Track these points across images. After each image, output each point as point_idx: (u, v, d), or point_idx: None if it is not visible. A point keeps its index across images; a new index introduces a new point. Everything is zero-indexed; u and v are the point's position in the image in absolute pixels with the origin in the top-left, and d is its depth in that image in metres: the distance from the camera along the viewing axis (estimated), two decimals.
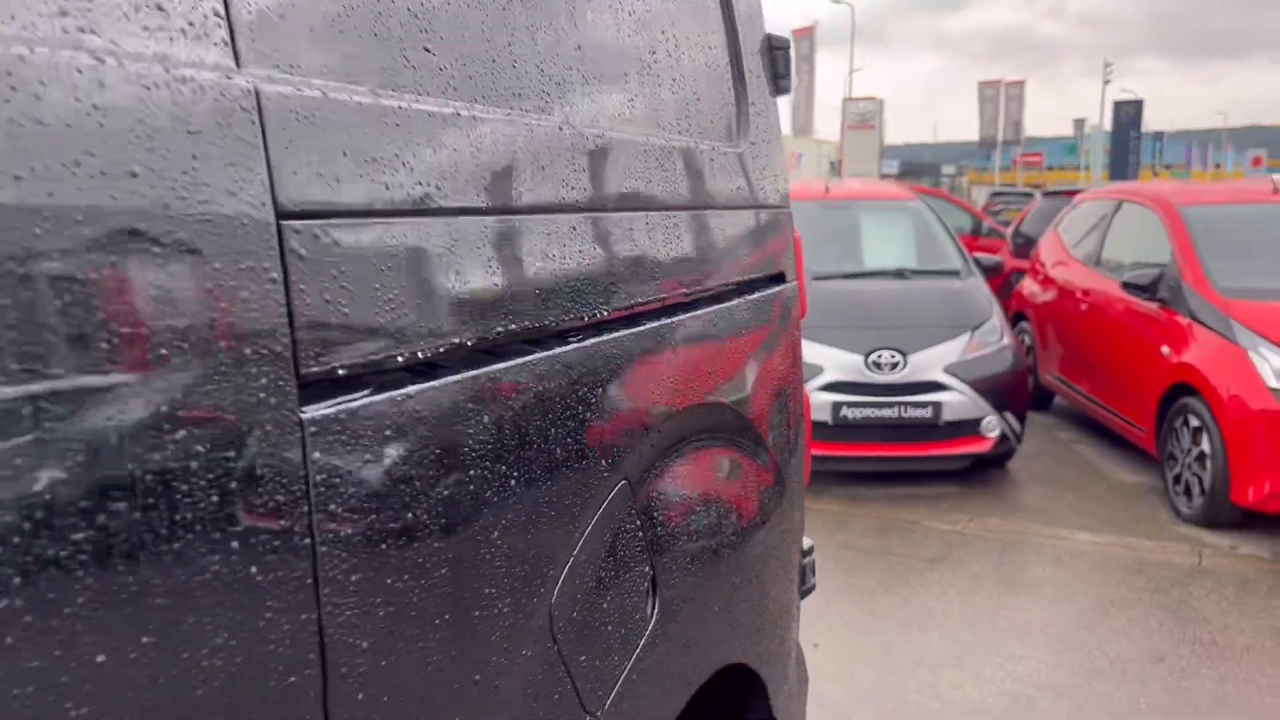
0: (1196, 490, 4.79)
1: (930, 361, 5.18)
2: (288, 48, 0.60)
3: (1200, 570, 4.24)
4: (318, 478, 0.58)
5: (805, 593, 1.58)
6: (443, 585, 0.69)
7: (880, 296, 5.66)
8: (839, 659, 3.31)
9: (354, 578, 0.61)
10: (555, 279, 0.84)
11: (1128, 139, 57.66)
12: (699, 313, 1.15)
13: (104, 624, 0.49)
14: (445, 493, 0.70)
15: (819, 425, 5.00)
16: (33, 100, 0.44)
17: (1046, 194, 11.15)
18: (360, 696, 0.63)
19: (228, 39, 0.55)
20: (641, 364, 0.99)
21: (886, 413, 5.12)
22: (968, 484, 5.37)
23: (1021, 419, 5.44)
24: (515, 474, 0.77)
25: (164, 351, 0.50)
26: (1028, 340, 7.08)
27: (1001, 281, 8.21)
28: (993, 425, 5.23)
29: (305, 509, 0.57)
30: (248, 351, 0.54)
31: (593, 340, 0.90)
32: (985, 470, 5.53)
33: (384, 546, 0.64)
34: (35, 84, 0.44)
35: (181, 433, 0.50)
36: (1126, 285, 5.51)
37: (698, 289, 1.15)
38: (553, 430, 0.82)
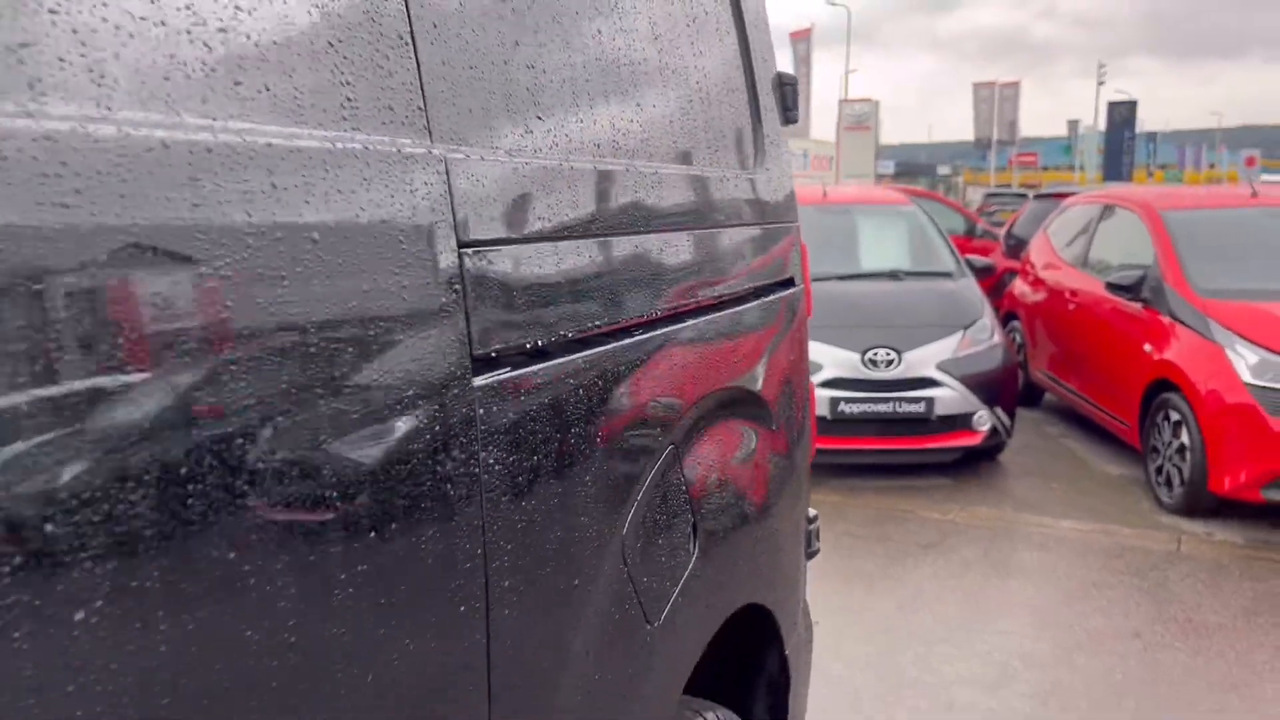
0: (1177, 481, 5.04)
1: (924, 359, 5.44)
2: (469, 130, 0.85)
3: (1178, 555, 4.49)
4: (482, 426, 0.84)
5: (810, 555, 1.83)
6: (556, 512, 0.95)
7: (876, 297, 5.91)
8: (839, 636, 3.56)
9: (504, 499, 0.86)
10: (628, 286, 1.09)
11: (1121, 139, 57.94)
12: (726, 312, 1.40)
13: (354, 528, 0.73)
14: (561, 443, 0.95)
15: (818, 420, 5.25)
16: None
17: (1038, 196, 11.41)
18: (507, 583, 0.88)
19: (426, 125, 0.80)
20: (683, 353, 1.24)
21: (882, 408, 5.37)
22: (959, 476, 5.62)
23: (1011, 414, 5.70)
24: (602, 434, 1.02)
25: (398, 338, 0.76)
26: (1018, 338, 7.34)
27: (995, 281, 8.46)
28: (983, 420, 5.48)
29: (476, 447, 0.83)
30: (442, 339, 0.80)
31: (648, 334, 1.15)
32: (976, 463, 5.78)
33: (525, 477, 0.90)
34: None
35: (410, 391, 0.76)
36: (1111, 286, 5.77)
37: (725, 293, 1.40)
38: (625, 402, 1.07)
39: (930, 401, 5.39)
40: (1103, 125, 61.73)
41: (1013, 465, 5.90)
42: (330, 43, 0.73)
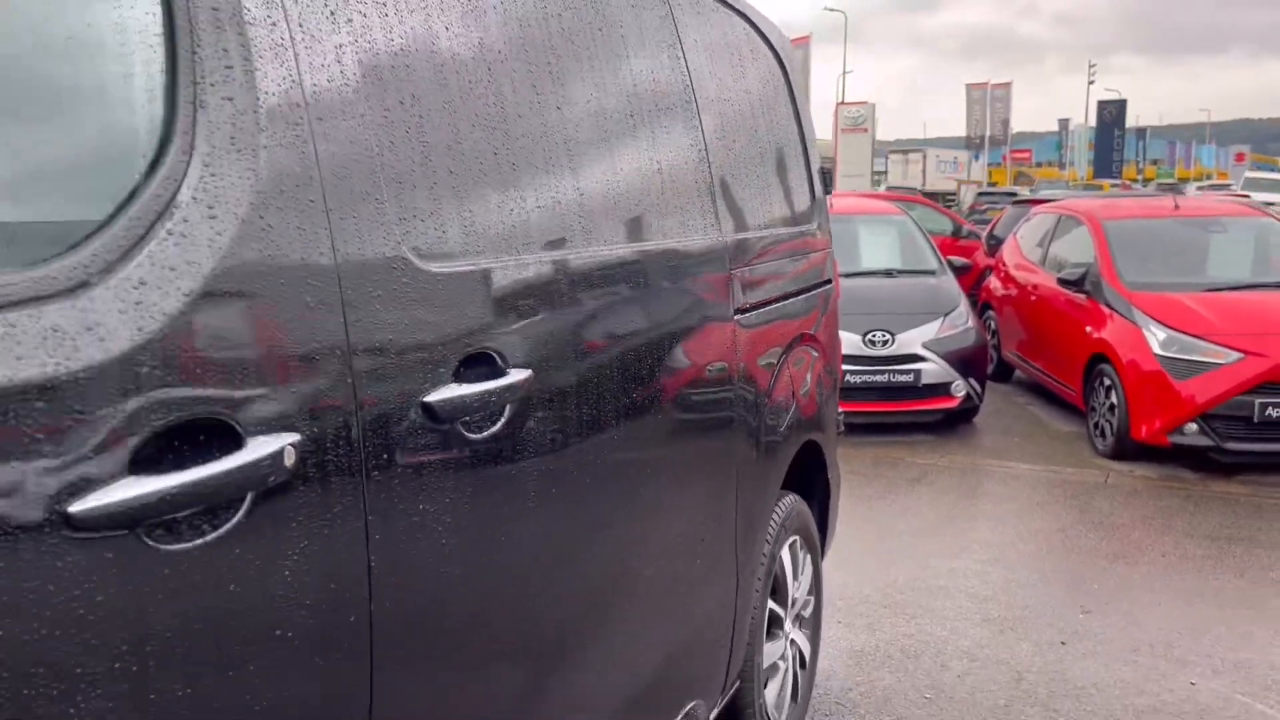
0: (1109, 432, 6.48)
1: (912, 339, 6.88)
2: (739, 220, 2.28)
3: (1105, 485, 5.93)
4: (741, 351, 2.27)
5: (840, 430, 3.28)
6: (761, 385, 2.38)
7: (874, 290, 7.34)
8: (848, 547, 4.97)
9: (750, 392, 2.29)
10: (774, 279, 2.52)
11: (1111, 137, 59.26)
12: (802, 297, 2.82)
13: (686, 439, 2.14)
14: (758, 346, 2.38)
15: None
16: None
17: (1015, 203, 12.86)
18: (742, 446, 2.32)
19: (717, 225, 2.22)
20: (791, 313, 2.67)
21: (879, 378, 6.82)
22: (941, 432, 7.06)
23: (982, 383, 7.14)
24: (766, 340, 2.45)
25: (707, 310, 2.17)
26: (993, 325, 8.78)
27: (976, 277, 9.91)
28: (960, 388, 6.93)
29: (737, 360, 2.25)
30: (721, 304, 2.20)
31: (783, 303, 2.58)
32: (955, 423, 7.22)
33: (760, 378, 2.33)
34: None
35: (712, 334, 2.19)
36: (1061, 280, 7.22)
37: (802, 286, 2.83)
38: (772, 328, 2.48)
39: (918, 373, 6.83)
40: (1093, 122, 62.99)
41: (984, 425, 7.34)
42: (680, 193, 2.14)
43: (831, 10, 41.62)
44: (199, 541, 0.93)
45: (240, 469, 0.95)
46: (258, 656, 0.99)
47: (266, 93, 1.06)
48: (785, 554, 2.74)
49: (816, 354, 2.94)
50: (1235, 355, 5.93)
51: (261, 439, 0.99)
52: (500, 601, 1.41)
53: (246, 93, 1.03)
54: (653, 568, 1.92)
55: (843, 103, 36.25)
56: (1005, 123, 51.09)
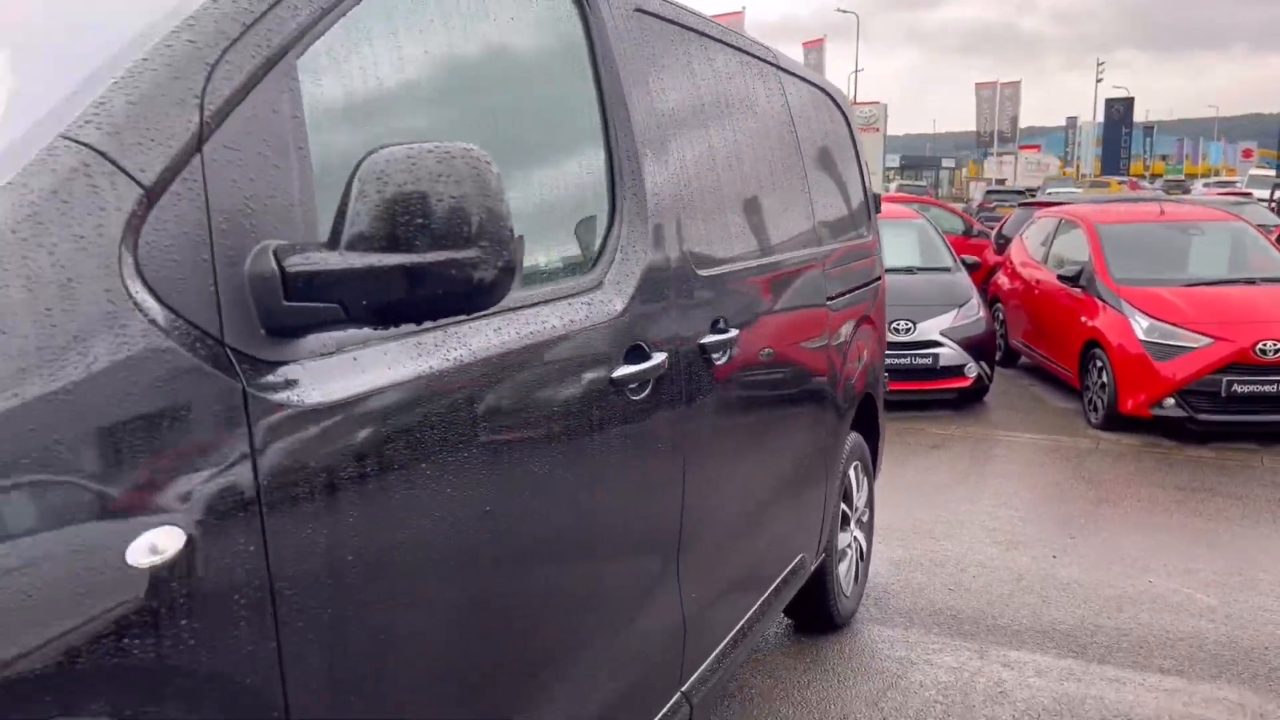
0: (1100, 406, 7.56)
1: (931, 327, 7.97)
2: (829, 225, 3.37)
3: (1096, 450, 7.02)
4: (831, 329, 3.35)
5: (885, 390, 4.37)
6: (847, 356, 3.47)
7: (897, 284, 8.40)
8: (881, 495, 6.05)
9: (837, 358, 3.36)
10: (843, 278, 3.60)
11: (1119, 134, 60.04)
12: (864, 289, 3.90)
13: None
14: (842, 329, 3.46)
15: None
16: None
17: (1022, 204, 13.92)
18: (840, 397, 3.42)
19: (815, 233, 3.32)
20: (857, 301, 3.75)
21: (903, 361, 7.91)
22: (955, 408, 8.15)
23: (992, 366, 8.23)
24: (844, 319, 3.53)
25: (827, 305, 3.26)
26: (1001, 316, 9.86)
27: (986, 273, 10.98)
28: (972, 369, 8.02)
29: (829, 335, 3.34)
30: (821, 295, 3.28)
31: (854, 294, 3.67)
32: (968, 401, 8.31)
33: (848, 349, 3.41)
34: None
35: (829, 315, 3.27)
36: (1061, 277, 8.31)
37: (863, 281, 3.91)
38: (847, 308, 3.57)
39: (936, 356, 7.92)
40: (1100, 118, 63.68)
41: (993, 403, 8.43)
42: (801, 215, 3.23)
43: (844, 11, 42.61)
44: (642, 395, 2.03)
45: (654, 366, 2.05)
46: (621, 478, 2.10)
47: (652, 190, 2.17)
48: (851, 473, 3.85)
49: (873, 331, 4.05)
50: (1207, 340, 7.01)
51: (657, 355, 2.09)
52: (729, 486, 2.52)
53: (639, 189, 2.14)
54: (785, 475, 3.02)
55: (855, 102, 37.25)
56: (1014, 119, 52.03)
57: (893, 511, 5.49)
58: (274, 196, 1.26)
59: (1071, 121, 67.99)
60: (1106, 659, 3.71)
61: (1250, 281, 7.79)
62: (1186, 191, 34.65)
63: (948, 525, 5.30)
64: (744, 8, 29.88)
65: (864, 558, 4.12)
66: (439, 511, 1.45)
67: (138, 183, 1.10)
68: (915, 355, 7.93)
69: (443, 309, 1.28)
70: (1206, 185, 41.67)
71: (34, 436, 0.96)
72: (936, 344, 7.96)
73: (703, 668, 2.45)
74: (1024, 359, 9.71)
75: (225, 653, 1.12)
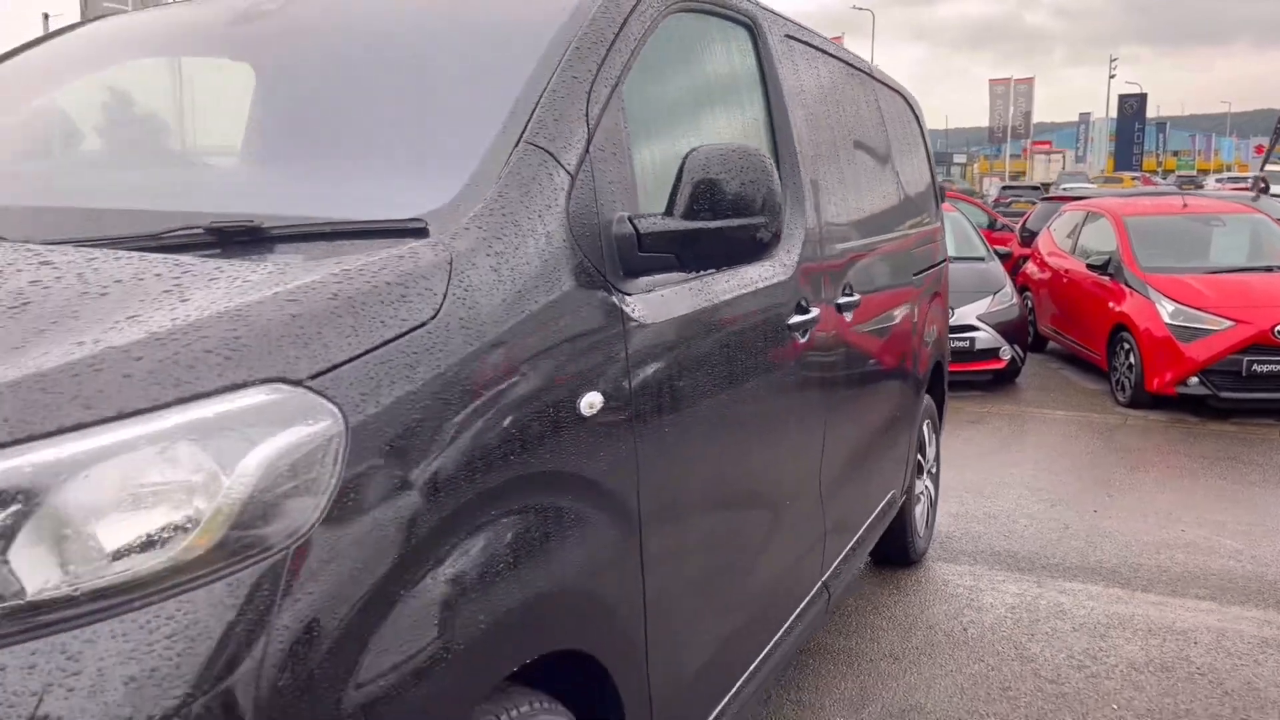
0: (1127, 386, 8.11)
1: (968, 313, 8.52)
2: (912, 217, 3.94)
3: (1124, 425, 7.57)
4: (915, 302, 3.93)
5: (948, 359, 4.94)
6: (932, 328, 4.04)
7: None
8: None
9: (918, 327, 3.93)
10: (917, 261, 4.17)
11: (1131, 130, 60.30)
12: (932, 270, 4.47)
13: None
14: (926, 303, 4.04)
15: None
16: None
17: (1045, 199, 14.44)
18: (929, 369, 3.99)
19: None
20: (927, 280, 4.32)
21: None
22: (990, 389, 8.71)
23: (1024, 350, 8.78)
24: (923, 298, 4.09)
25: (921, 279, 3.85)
26: (1029, 303, 10.40)
27: (1012, 265, 11.52)
28: (1006, 352, 8.57)
29: (914, 306, 3.91)
30: (908, 272, 3.85)
31: (926, 273, 4.24)
32: (1002, 382, 8.87)
33: (921, 322, 3.99)
34: None
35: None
36: (1090, 266, 8.85)
37: (933, 263, 4.48)
38: (917, 286, 4.13)
39: (973, 340, 8.48)
40: (1113, 114, 63.91)
41: (1025, 384, 8.99)
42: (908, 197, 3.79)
43: (859, 9, 43.11)
44: (804, 340, 2.61)
45: (813, 318, 2.63)
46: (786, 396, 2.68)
47: (805, 181, 2.74)
48: (924, 428, 4.42)
49: (941, 307, 4.62)
50: (1228, 323, 7.56)
51: (813, 310, 2.66)
52: (851, 424, 3.10)
53: (797, 181, 2.71)
54: (884, 421, 3.59)
55: None
56: (1027, 115, 52.41)
57: (945, 474, 6.05)
58: (618, 181, 1.84)
59: (1084, 118, 68.30)
60: (1149, 589, 4.28)
61: (1269, 269, 8.33)
62: (1199, 187, 35.05)
63: (996, 486, 5.87)
64: None
65: (933, 504, 4.69)
66: (707, 392, 2.05)
67: (568, 172, 1.68)
68: (954, 339, 8.45)
69: (736, 259, 1.87)
70: (1219, 181, 41.99)
71: (538, 328, 1.54)
72: (973, 328, 8.51)
73: (835, 564, 3.04)
74: (1052, 344, 10.26)
75: (613, 466, 1.71)
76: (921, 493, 4.48)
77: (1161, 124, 74.61)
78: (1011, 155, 58.63)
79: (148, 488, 1.07)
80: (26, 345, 1.13)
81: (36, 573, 1.02)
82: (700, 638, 2.10)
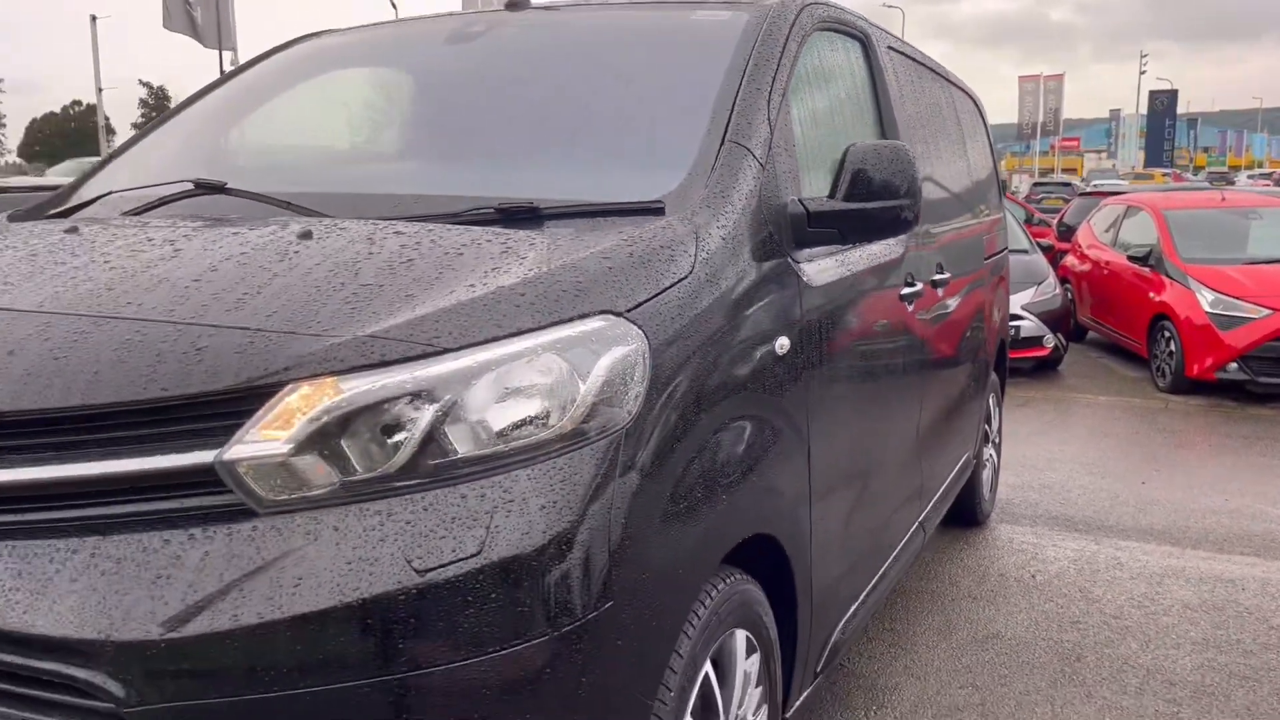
0: (1168, 372, 8.47)
1: (1014, 302, 8.86)
2: (983, 206, 4.35)
3: (1165, 409, 7.94)
4: (985, 282, 4.35)
5: (1009, 336, 5.35)
6: (997, 310, 4.45)
7: None
8: None
9: (988, 306, 4.35)
10: (982, 246, 4.58)
11: (1162, 127, 60.06)
12: (996, 257, 4.88)
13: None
14: (991, 282, 4.45)
15: None
16: None
17: (1082, 195, 14.76)
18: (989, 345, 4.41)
19: (985, 206, 4.31)
20: (993, 265, 4.74)
21: None
22: (1034, 376, 9.09)
23: (1067, 338, 9.16)
24: (991, 280, 4.51)
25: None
26: (1070, 294, 10.76)
27: (1051, 258, 11.88)
28: (1049, 340, 8.95)
29: (985, 287, 4.33)
30: (980, 256, 4.28)
31: (991, 261, 4.65)
32: (1045, 369, 9.25)
33: (991, 302, 4.40)
34: None
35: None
36: (1130, 258, 9.22)
37: (998, 250, 4.89)
38: (987, 270, 4.56)
39: (1018, 328, 8.86)
40: (1143, 110, 63.60)
41: (1067, 371, 9.36)
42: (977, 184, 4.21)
43: (889, 6, 43.34)
44: (911, 308, 3.05)
45: (919, 291, 3.07)
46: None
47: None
48: (990, 400, 4.84)
49: (1004, 291, 5.04)
50: (1266, 311, 7.91)
51: (918, 284, 3.10)
52: (940, 387, 3.53)
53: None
54: (962, 389, 4.02)
55: None
56: (1056, 111, 52.35)
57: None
58: (788, 170, 2.29)
59: (1114, 114, 68.07)
60: (1198, 546, 4.68)
61: None
62: (1230, 183, 35.09)
63: (1048, 460, 6.28)
64: None
65: (996, 471, 5.12)
66: (848, 344, 2.50)
67: (760, 163, 2.13)
68: None
69: (886, 233, 2.31)
70: (1251, 178, 41.88)
71: (751, 285, 2.00)
72: (1018, 317, 8.88)
73: (928, 509, 3.48)
74: (1092, 334, 10.62)
75: (794, 392, 2.16)
76: (987, 459, 4.90)
77: (1193, 120, 74.14)
78: (1040, 152, 58.57)
79: (535, 384, 1.53)
80: (434, 285, 1.60)
81: (463, 441, 1.48)
82: (840, 551, 2.55)
